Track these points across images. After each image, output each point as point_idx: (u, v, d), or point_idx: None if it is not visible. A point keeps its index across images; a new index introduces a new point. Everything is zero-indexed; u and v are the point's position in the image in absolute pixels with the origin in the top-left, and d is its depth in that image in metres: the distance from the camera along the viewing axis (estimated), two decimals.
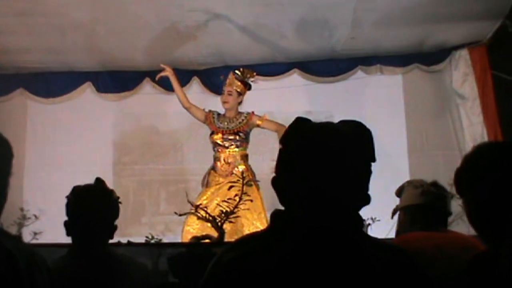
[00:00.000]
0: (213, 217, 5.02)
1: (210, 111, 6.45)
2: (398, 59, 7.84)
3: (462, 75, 7.62)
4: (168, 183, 7.00)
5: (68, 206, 2.84)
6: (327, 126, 1.71)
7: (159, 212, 7.32)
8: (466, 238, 2.91)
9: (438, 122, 7.82)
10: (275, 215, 1.69)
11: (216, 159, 6.29)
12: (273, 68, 7.92)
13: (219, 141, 6.27)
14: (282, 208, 1.71)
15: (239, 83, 6.38)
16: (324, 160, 1.63)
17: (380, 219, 5.84)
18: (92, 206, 2.81)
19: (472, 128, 7.48)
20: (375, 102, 7.83)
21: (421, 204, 3.13)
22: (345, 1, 6.32)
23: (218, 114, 6.42)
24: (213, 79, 7.85)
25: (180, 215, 5.66)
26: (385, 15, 6.57)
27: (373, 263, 1.58)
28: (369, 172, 1.69)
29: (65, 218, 2.79)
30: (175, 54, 7.50)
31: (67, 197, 2.86)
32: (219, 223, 4.98)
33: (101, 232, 2.83)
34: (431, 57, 7.77)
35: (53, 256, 2.73)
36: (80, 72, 7.99)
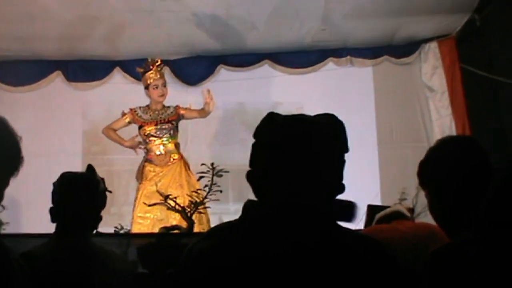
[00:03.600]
0: (183, 208, 5.01)
1: (131, 109, 6.51)
2: (369, 51, 7.88)
3: (431, 68, 7.70)
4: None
5: (53, 193, 2.81)
6: (299, 118, 1.73)
7: (128, 202, 7.26)
8: (431, 227, 2.93)
9: (407, 114, 7.88)
10: (249, 206, 1.70)
11: (150, 150, 6.36)
12: (243, 59, 7.91)
13: (152, 132, 6.33)
14: (252, 198, 1.72)
15: (163, 74, 6.50)
16: (297, 152, 1.65)
17: None
18: (76, 195, 2.78)
19: (441, 121, 7.56)
20: (345, 93, 7.86)
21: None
22: None
23: (141, 108, 6.49)
24: (184, 69, 7.85)
25: (150, 205, 5.64)
26: (355, 7, 6.60)
27: (348, 252, 1.61)
28: (342, 162, 1.71)
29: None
30: (146, 44, 7.46)
31: (53, 183, 2.83)
32: (188, 214, 4.97)
33: (84, 222, 2.80)
34: (401, 49, 7.83)
35: (26, 246, 2.70)
36: (49, 60, 7.90)
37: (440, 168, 2.06)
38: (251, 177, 1.72)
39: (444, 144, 2.15)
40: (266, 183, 1.69)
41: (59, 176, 2.84)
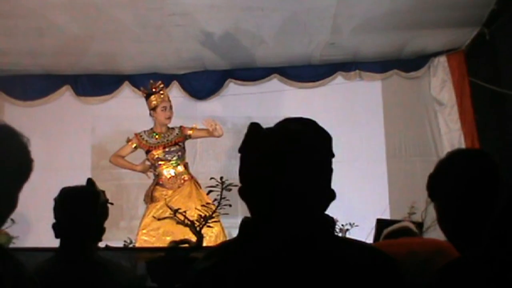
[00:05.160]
0: (192, 222, 4.99)
1: (136, 134, 6.51)
2: (377, 65, 7.88)
3: (440, 82, 7.69)
4: (146, 187, 6.95)
5: (55, 208, 2.82)
6: (281, 128, 1.71)
7: (137, 216, 7.27)
8: (440, 243, 2.91)
9: (416, 128, 7.86)
10: (244, 223, 1.69)
11: (160, 174, 6.35)
12: (252, 73, 7.93)
13: (161, 156, 6.32)
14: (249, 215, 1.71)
15: (169, 97, 6.50)
16: (284, 162, 1.62)
17: (359, 225, 5.87)
18: (76, 208, 2.79)
19: (450, 135, 7.54)
20: (354, 107, 7.86)
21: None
22: (325, 7, 6.33)
23: (145, 132, 6.48)
24: (192, 83, 7.87)
25: (159, 219, 5.64)
26: (364, 21, 6.60)
27: (344, 263, 1.59)
28: (330, 167, 1.68)
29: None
30: (155, 58, 7.48)
31: (54, 199, 2.84)
32: (198, 228, 4.95)
33: (87, 234, 2.81)
34: (410, 63, 7.82)
35: (34, 260, 2.70)
36: (58, 75, 7.94)
37: (449, 180, 2.05)
38: (243, 192, 1.70)
39: (454, 156, 2.14)
40: (256, 198, 1.67)
41: (59, 191, 2.85)
